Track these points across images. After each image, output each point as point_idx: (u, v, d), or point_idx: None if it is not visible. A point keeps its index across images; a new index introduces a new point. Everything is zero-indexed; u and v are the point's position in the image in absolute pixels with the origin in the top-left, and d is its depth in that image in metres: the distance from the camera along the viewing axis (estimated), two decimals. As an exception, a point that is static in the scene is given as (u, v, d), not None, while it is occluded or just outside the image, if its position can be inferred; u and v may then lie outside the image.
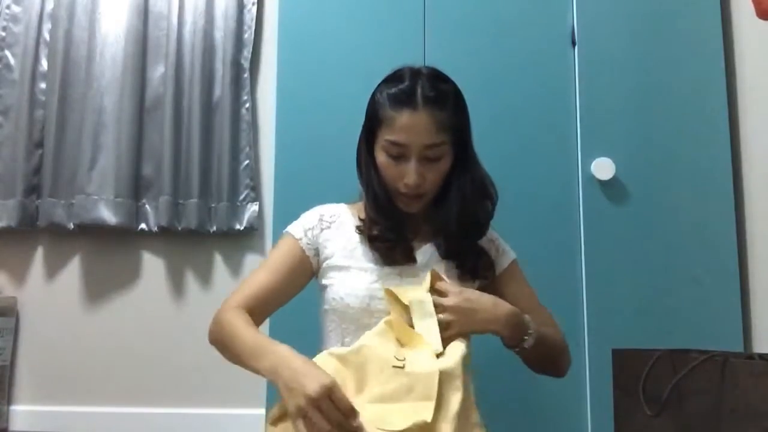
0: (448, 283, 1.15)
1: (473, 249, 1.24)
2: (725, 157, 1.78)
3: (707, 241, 1.74)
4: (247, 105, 2.13)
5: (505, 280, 1.29)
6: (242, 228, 2.07)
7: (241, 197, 2.09)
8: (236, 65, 2.13)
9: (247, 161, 2.11)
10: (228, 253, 2.12)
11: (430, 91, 1.16)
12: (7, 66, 2.12)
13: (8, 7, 2.14)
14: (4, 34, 2.13)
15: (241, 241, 2.12)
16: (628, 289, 1.71)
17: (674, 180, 1.77)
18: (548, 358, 1.24)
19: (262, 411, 1.67)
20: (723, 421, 0.98)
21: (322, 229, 1.26)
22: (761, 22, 1.25)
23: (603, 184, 1.75)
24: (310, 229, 1.25)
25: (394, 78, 1.21)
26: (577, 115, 1.78)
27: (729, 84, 1.81)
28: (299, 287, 1.26)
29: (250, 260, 2.11)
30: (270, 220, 2.00)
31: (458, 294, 1.12)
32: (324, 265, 1.24)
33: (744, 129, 1.80)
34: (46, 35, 2.12)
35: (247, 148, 2.11)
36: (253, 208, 2.09)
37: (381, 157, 1.19)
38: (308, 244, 1.24)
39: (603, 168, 1.74)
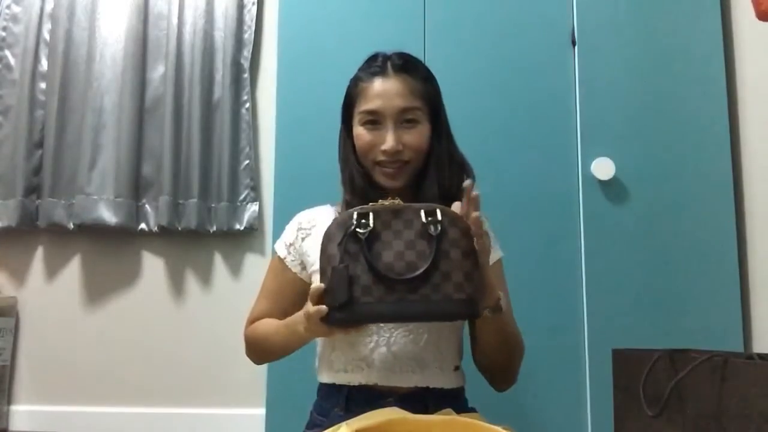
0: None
1: None
2: (725, 157, 1.78)
3: (707, 241, 1.74)
4: (247, 105, 2.13)
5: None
6: (242, 228, 2.07)
7: (241, 197, 2.09)
8: (236, 65, 2.13)
9: (247, 161, 2.11)
10: (228, 253, 2.12)
11: (399, 61, 1.21)
12: (7, 66, 2.13)
13: (8, 7, 2.14)
14: (4, 34, 2.13)
15: (241, 241, 2.12)
16: (628, 289, 1.71)
17: (674, 180, 1.77)
18: (506, 347, 1.17)
19: (262, 411, 1.67)
20: (723, 421, 0.98)
21: (303, 239, 1.26)
22: (761, 22, 1.25)
23: (603, 184, 1.75)
24: (291, 244, 1.28)
25: (366, 60, 1.25)
26: (577, 115, 1.78)
27: (729, 84, 1.81)
28: (302, 300, 1.28)
29: (250, 260, 2.11)
30: (270, 220, 2.00)
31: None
32: (310, 270, 1.25)
33: (744, 129, 1.80)
34: (46, 35, 2.12)
35: (247, 148, 2.11)
36: (253, 208, 2.09)
37: (358, 131, 1.20)
38: (293, 260, 1.27)
39: (603, 168, 1.74)
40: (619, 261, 1.72)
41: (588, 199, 1.75)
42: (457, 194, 1.20)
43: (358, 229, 1.01)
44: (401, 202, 1.05)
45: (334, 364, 1.19)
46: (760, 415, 0.92)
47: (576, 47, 1.81)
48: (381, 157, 1.17)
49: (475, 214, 1.01)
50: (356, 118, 1.21)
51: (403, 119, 1.17)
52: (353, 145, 1.22)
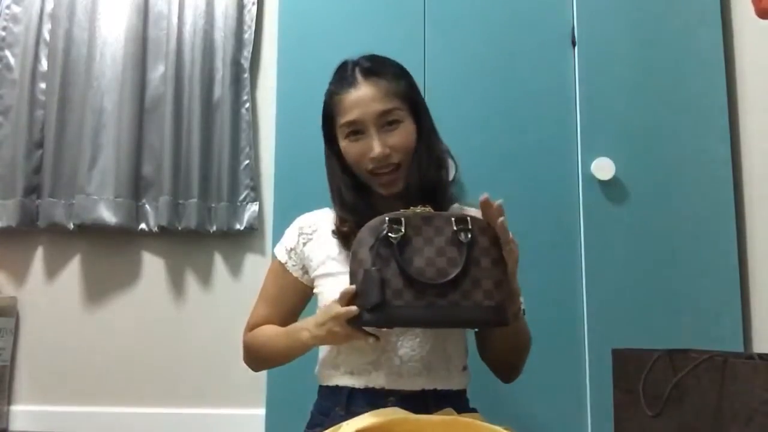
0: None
1: None
2: (725, 157, 1.78)
3: (707, 241, 1.74)
4: (247, 105, 2.13)
5: None
6: (242, 228, 2.07)
7: (241, 197, 2.09)
8: (236, 65, 2.13)
9: (247, 161, 2.11)
10: (228, 253, 2.12)
11: (367, 65, 1.20)
12: (7, 66, 2.13)
13: (8, 7, 2.14)
14: (4, 34, 2.13)
15: (241, 241, 2.12)
16: (628, 289, 1.71)
17: (674, 180, 1.77)
18: (517, 347, 1.19)
19: (262, 411, 1.67)
20: (723, 421, 0.98)
21: (304, 244, 1.26)
22: (761, 21, 1.25)
23: (603, 184, 1.75)
24: (292, 249, 1.27)
25: (336, 71, 1.25)
26: (577, 115, 1.78)
27: (729, 83, 1.81)
28: (302, 304, 1.29)
29: (250, 260, 2.12)
30: (270, 220, 2.00)
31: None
32: (313, 275, 1.24)
33: (744, 129, 1.80)
34: (46, 35, 2.13)
35: (247, 148, 2.11)
36: (253, 208, 2.09)
37: (344, 144, 1.19)
38: (294, 265, 1.26)
39: (603, 168, 1.74)
40: (619, 261, 1.72)
41: (588, 199, 1.75)
42: (436, 187, 1.20)
43: (390, 234, 1.02)
44: (431, 210, 1.06)
45: (340, 367, 1.18)
46: (760, 415, 0.92)
47: (576, 47, 1.81)
48: (371, 165, 1.17)
49: (500, 219, 1.02)
50: (339, 133, 1.20)
51: (385, 122, 1.16)
52: (337, 161, 1.22)
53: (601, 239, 1.73)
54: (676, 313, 1.70)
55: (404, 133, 1.17)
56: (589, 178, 1.75)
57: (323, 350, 1.24)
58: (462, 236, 1.02)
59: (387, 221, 1.03)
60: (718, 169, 1.77)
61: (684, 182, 1.77)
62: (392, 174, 1.18)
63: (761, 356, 1.08)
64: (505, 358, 1.21)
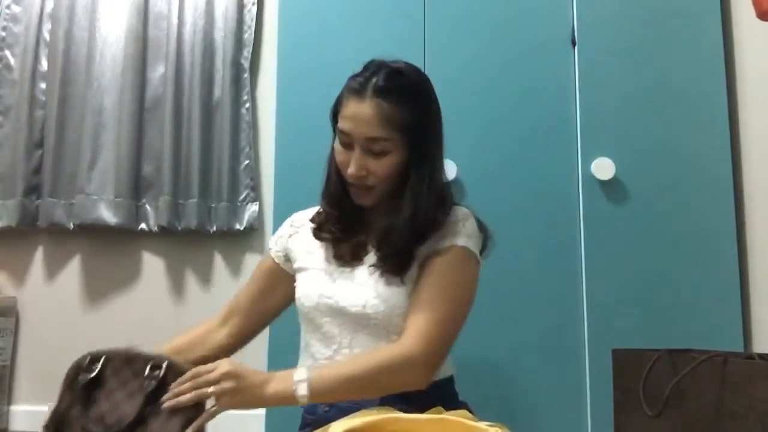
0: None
1: (405, 250, 1.14)
2: (725, 157, 1.78)
3: (707, 241, 1.74)
4: (247, 105, 2.13)
5: (429, 262, 1.14)
6: (242, 228, 2.07)
7: (241, 197, 2.10)
8: (236, 65, 2.13)
9: (247, 161, 2.11)
10: (228, 253, 2.12)
11: (382, 82, 1.12)
12: (7, 66, 2.13)
13: (8, 7, 2.14)
14: (4, 34, 2.14)
15: (241, 241, 2.12)
16: (628, 289, 1.71)
17: (674, 180, 1.77)
18: (366, 390, 1.07)
19: (262, 411, 1.67)
20: (723, 421, 0.98)
21: (290, 236, 1.28)
22: (761, 23, 1.26)
23: (603, 184, 1.75)
24: (280, 237, 1.30)
25: (363, 67, 1.19)
26: (577, 115, 1.78)
27: (729, 84, 1.81)
28: (281, 295, 1.28)
29: (250, 260, 2.11)
30: (270, 220, 2.00)
31: (227, 365, 1.02)
32: (295, 266, 1.26)
33: (744, 128, 1.80)
34: (46, 35, 2.13)
35: (247, 148, 2.11)
36: (253, 208, 2.09)
37: (335, 145, 1.19)
38: (278, 252, 1.29)
39: (603, 168, 1.74)
40: (619, 261, 1.72)
41: (588, 199, 1.75)
42: (430, 223, 1.15)
43: (85, 374, 1.00)
44: (139, 350, 1.02)
45: (306, 358, 1.21)
46: (760, 415, 0.92)
47: (576, 47, 1.81)
48: (347, 178, 1.15)
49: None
50: (337, 130, 1.18)
51: (370, 148, 1.12)
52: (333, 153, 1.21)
53: (601, 239, 1.73)
54: (676, 313, 1.70)
55: (386, 164, 1.13)
56: (589, 178, 1.75)
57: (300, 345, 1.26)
58: (146, 383, 0.95)
59: (88, 359, 1.01)
60: (718, 169, 1.77)
61: (684, 182, 1.77)
62: (363, 190, 1.16)
63: (761, 356, 1.08)
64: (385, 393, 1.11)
